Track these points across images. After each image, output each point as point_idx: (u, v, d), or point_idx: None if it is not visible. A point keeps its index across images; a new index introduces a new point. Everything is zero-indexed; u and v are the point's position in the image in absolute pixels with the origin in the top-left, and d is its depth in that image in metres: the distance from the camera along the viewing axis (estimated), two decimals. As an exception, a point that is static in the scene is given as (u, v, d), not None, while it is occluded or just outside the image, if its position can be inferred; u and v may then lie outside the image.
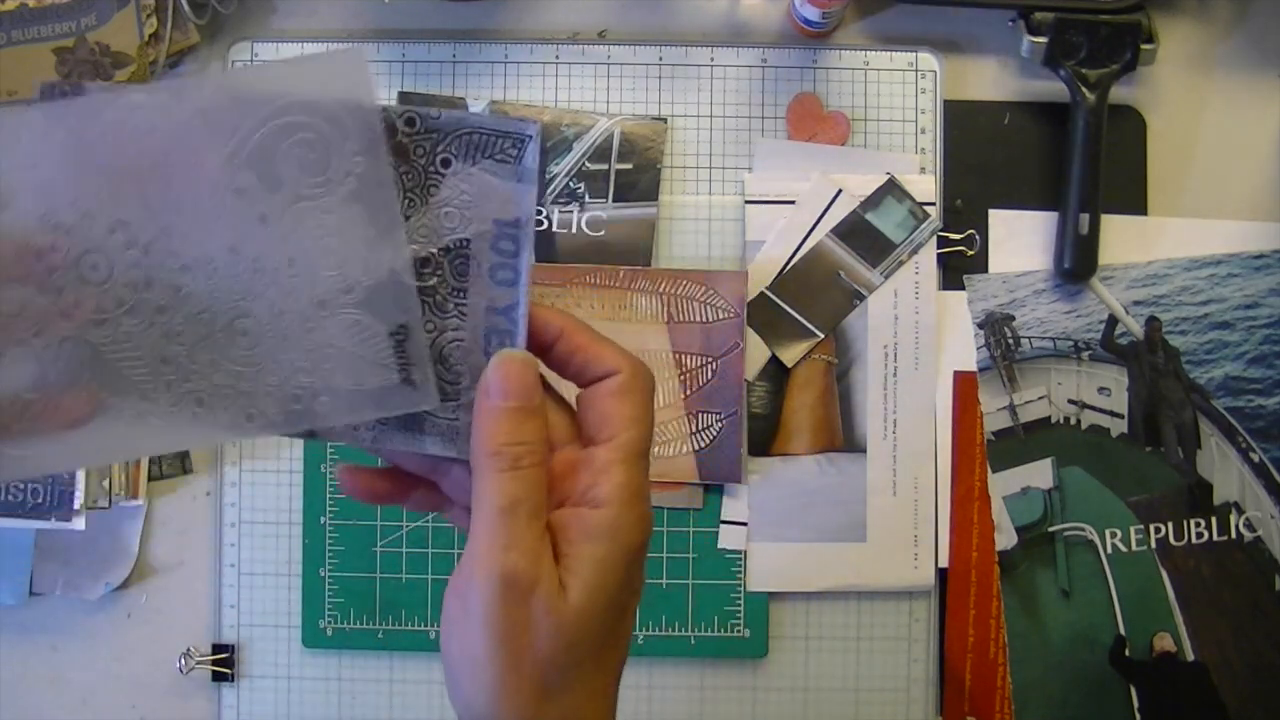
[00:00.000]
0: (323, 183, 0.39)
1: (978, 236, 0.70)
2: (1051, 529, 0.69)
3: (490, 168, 0.40)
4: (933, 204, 0.69)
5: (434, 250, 0.40)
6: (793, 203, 0.69)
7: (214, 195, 0.39)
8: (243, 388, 0.40)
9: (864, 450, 0.68)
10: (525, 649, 0.36)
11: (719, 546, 0.68)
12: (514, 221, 0.40)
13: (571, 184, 0.68)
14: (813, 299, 0.69)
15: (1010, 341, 0.70)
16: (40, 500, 0.66)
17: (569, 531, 0.38)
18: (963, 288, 0.70)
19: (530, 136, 0.40)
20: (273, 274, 0.40)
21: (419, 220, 0.40)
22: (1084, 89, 0.67)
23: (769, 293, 0.69)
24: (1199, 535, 0.69)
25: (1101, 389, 0.70)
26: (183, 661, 0.69)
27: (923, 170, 0.69)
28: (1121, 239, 0.70)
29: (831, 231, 0.69)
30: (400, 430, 0.41)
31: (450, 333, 0.40)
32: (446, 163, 0.40)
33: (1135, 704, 0.68)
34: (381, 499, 0.43)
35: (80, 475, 0.66)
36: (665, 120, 0.69)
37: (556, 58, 0.70)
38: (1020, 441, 0.70)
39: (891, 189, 0.69)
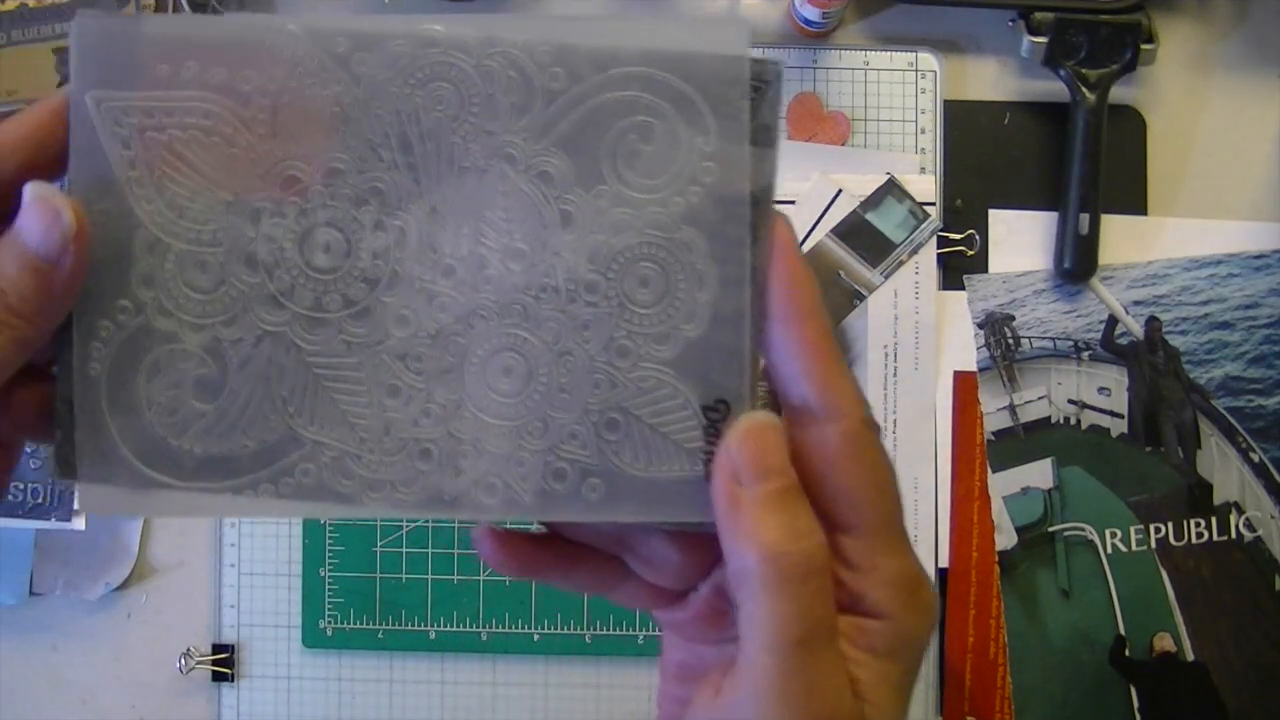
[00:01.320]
0: (658, 188, 0.30)
1: (978, 236, 0.70)
2: (1051, 529, 0.69)
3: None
4: (933, 204, 0.69)
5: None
6: (793, 203, 0.69)
7: (508, 176, 0.30)
8: (490, 446, 0.30)
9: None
10: None
11: (719, 546, 0.68)
12: (743, 198, 0.30)
13: (571, 184, 0.68)
14: (813, 299, 0.68)
15: (1010, 341, 0.70)
16: (40, 500, 0.66)
17: (851, 648, 0.29)
18: (963, 288, 0.70)
19: (769, 82, 0.30)
20: (565, 297, 0.30)
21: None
22: (1084, 89, 0.67)
23: (769, 293, 0.68)
24: (1199, 535, 0.69)
25: (1101, 389, 0.70)
26: (183, 661, 0.69)
27: (923, 170, 0.69)
28: (1121, 239, 0.70)
29: (831, 231, 0.69)
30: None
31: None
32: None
33: (1135, 704, 0.68)
34: (538, 573, 0.34)
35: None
36: (665, 120, 0.69)
37: (556, 58, 0.70)
38: (1020, 441, 0.70)
39: (891, 189, 0.69)
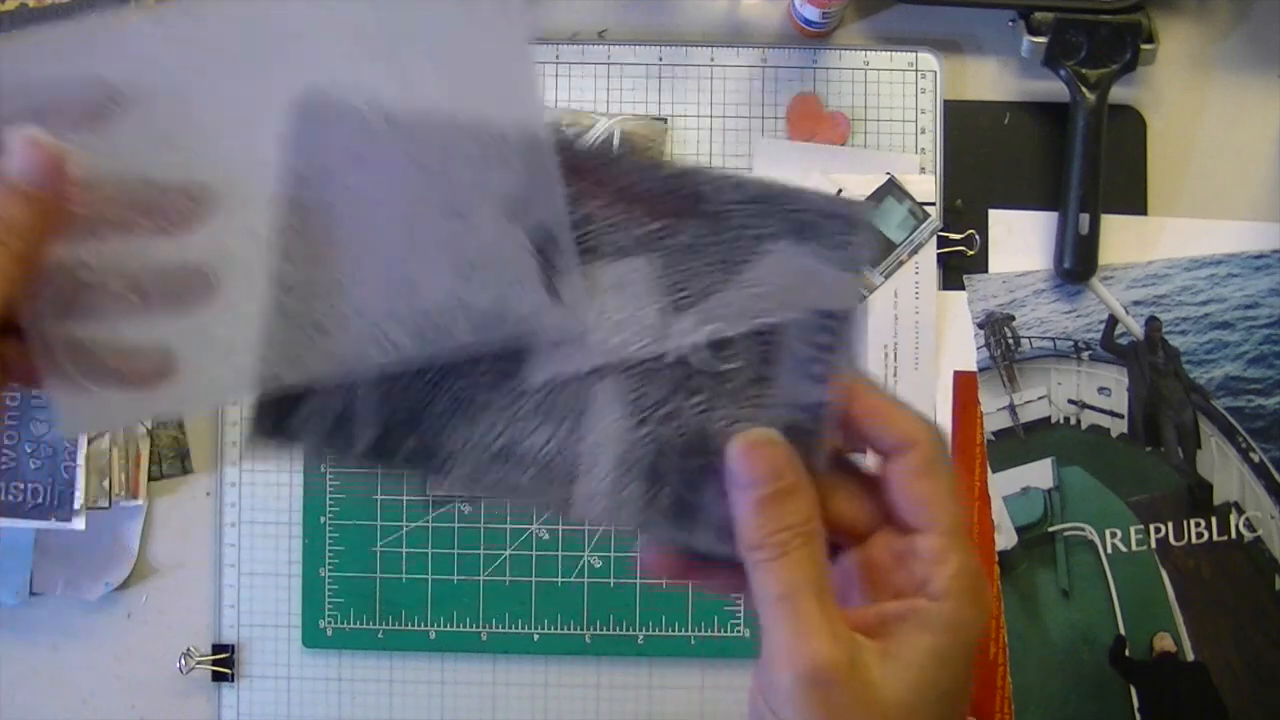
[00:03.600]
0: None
1: (978, 236, 0.70)
2: (1051, 529, 0.69)
3: (815, 251, 0.36)
4: (933, 204, 0.69)
5: (740, 331, 0.36)
6: (793, 203, 0.69)
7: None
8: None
9: (864, 450, 0.68)
10: None
11: (719, 546, 0.68)
12: (833, 314, 0.36)
13: (571, 184, 0.68)
14: (813, 299, 0.69)
15: (1010, 341, 0.70)
16: (40, 500, 0.66)
17: (903, 622, 0.35)
18: (963, 288, 0.70)
19: (865, 222, 0.37)
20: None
21: (725, 296, 0.36)
22: (1084, 89, 0.67)
23: (769, 293, 0.68)
24: (1199, 535, 0.69)
25: (1101, 389, 0.70)
26: (183, 661, 0.69)
27: (923, 170, 0.69)
28: (1121, 239, 0.70)
29: (831, 231, 0.69)
30: (668, 520, 0.37)
31: (745, 423, 0.36)
32: (764, 239, 0.36)
33: (1135, 704, 0.68)
34: (686, 576, 0.40)
35: (80, 475, 0.66)
36: (665, 120, 0.69)
37: (556, 58, 0.70)
38: (1020, 441, 0.70)
39: (891, 189, 0.69)
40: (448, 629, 0.68)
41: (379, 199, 0.37)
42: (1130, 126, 0.70)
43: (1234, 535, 0.69)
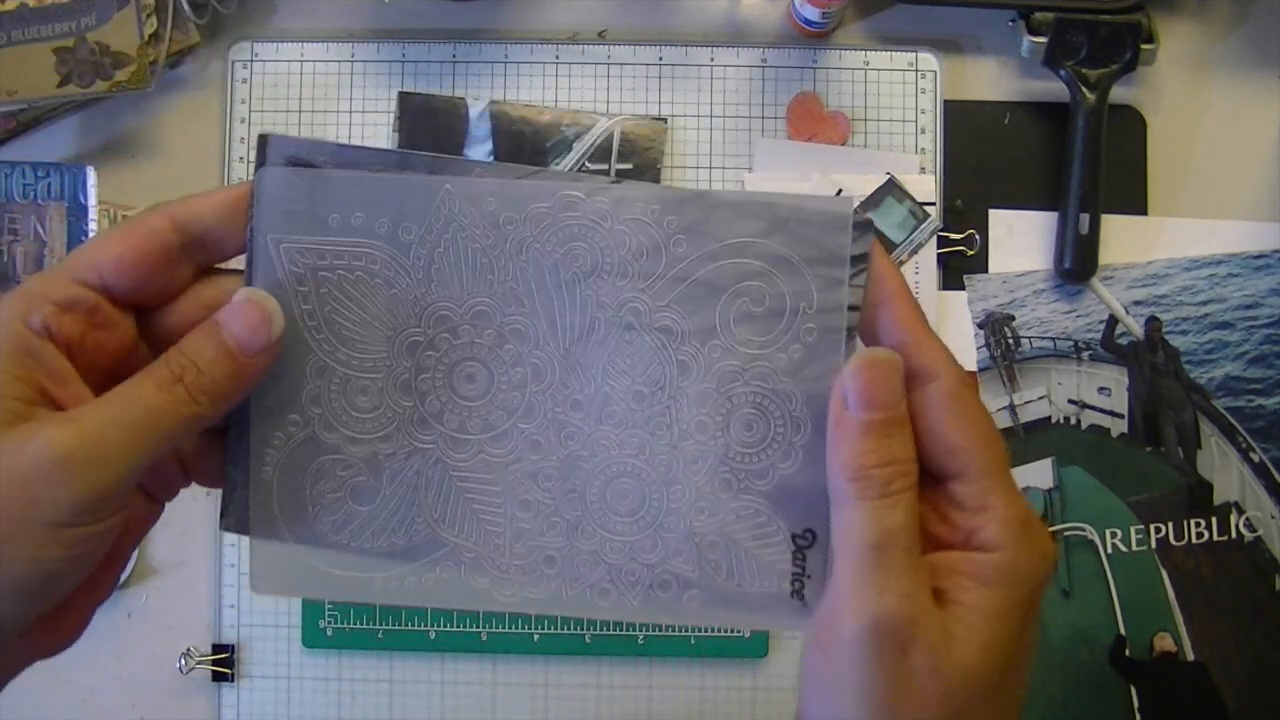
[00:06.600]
0: (765, 344, 0.34)
1: (978, 236, 0.70)
2: (1051, 529, 0.69)
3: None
4: (933, 204, 0.69)
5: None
6: (793, 203, 0.69)
7: (634, 328, 0.34)
8: (607, 557, 0.35)
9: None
10: (907, 714, 0.30)
11: (719, 546, 0.68)
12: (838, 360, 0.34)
13: (571, 184, 0.68)
14: (813, 299, 0.69)
15: (1010, 341, 0.70)
16: (40, 500, 0.66)
17: (958, 577, 0.32)
18: (963, 288, 0.70)
19: (867, 256, 0.33)
20: (678, 434, 0.34)
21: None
22: (1084, 89, 0.67)
23: (769, 293, 0.68)
24: (1199, 535, 0.69)
25: (1101, 389, 0.70)
26: (183, 661, 0.69)
27: (923, 170, 0.69)
28: (1121, 239, 0.70)
29: (831, 231, 0.69)
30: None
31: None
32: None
33: (1135, 704, 0.68)
34: None
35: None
36: (665, 120, 0.69)
37: (556, 58, 0.70)
38: (1020, 441, 0.70)
39: (891, 189, 0.69)
40: (447, 629, 0.68)
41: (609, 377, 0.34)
42: (1130, 126, 0.70)
43: (1234, 535, 0.69)
